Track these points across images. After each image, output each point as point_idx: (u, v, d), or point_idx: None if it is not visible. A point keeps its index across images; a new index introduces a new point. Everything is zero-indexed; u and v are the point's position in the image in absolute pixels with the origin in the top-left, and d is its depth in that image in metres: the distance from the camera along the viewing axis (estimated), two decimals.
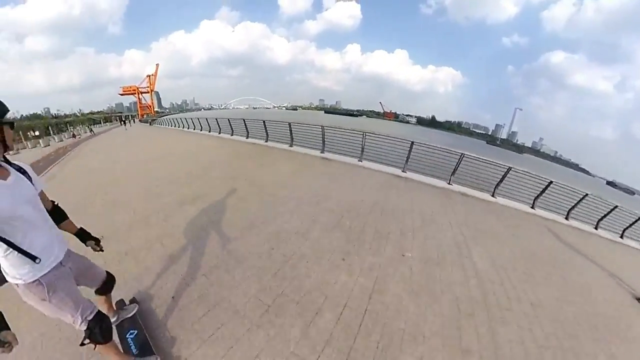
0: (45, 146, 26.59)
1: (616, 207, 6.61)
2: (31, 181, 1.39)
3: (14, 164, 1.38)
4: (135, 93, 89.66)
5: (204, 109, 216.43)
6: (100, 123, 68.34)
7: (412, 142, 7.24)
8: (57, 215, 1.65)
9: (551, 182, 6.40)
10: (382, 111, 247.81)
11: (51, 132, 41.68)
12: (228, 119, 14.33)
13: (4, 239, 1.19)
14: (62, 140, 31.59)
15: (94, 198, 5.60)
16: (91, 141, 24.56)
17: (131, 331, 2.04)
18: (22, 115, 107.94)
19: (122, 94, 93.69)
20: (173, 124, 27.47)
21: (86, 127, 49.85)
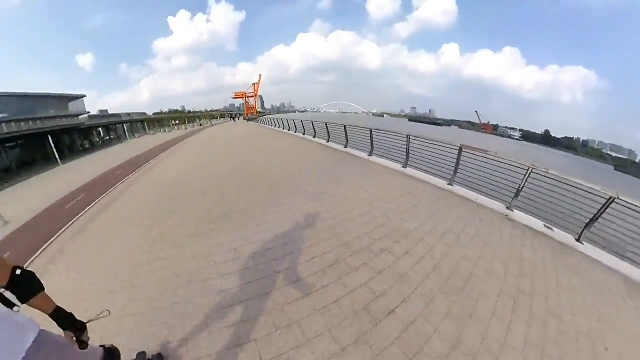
0: (185, 129, 45.55)
1: None
2: None
3: None
4: (243, 97, 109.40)
5: (299, 112, 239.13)
6: (217, 118, 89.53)
7: None
8: (21, 289, 1.10)
9: None
10: (478, 122, 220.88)
11: (186, 122, 60.40)
12: (326, 123, 12.47)
13: None
14: (193, 127, 51.41)
15: (205, 149, 11.95)
16: (210, 128, 42.09)
17: None
18: (169, 110, 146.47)
19: (234, 98, 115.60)
20: (265, 122, 34.39)
21: (208, 121, 70.34)
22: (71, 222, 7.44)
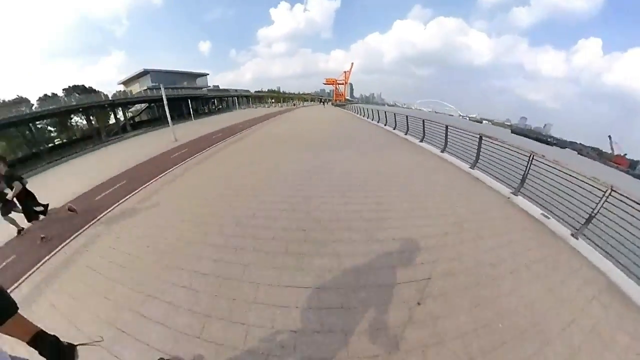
0: (280, 107, 58.44)
1: None
2: None
3: None
4: (333, 84, 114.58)
5: (388, 105, 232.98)
6: (308, 101, 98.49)
7: None
8: None
9: None
10: (610, 151, 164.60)
11: (281, 101, 70.49)
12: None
13: None
14: (287, 106, 64.25)
15: (296, 122, 17.76)
16: (302, 109, 50.61)
17: None
18: (267, 89, 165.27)
19: (324, 83, 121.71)
20: (350, 109, 37.66)
21: (300, 102, 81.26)
22: (219, 142, 13.58)
